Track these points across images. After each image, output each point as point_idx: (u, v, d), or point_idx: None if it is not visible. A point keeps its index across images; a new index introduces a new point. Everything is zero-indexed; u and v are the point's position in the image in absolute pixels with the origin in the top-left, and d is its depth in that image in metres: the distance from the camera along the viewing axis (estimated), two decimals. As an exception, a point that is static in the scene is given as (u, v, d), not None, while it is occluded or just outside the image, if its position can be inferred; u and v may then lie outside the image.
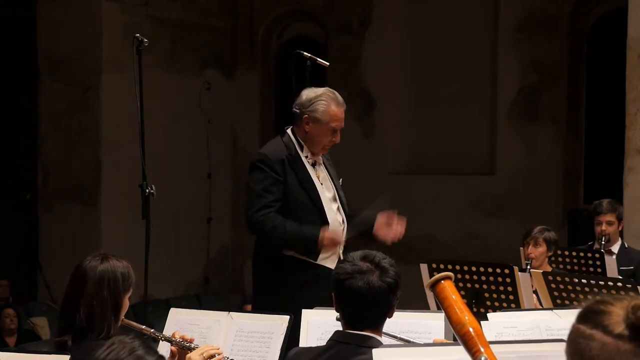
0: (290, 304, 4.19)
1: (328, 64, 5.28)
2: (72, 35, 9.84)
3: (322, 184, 4.73)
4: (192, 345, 3.28)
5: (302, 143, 4.69)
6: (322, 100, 4.63)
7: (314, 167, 4.74)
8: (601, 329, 1.59)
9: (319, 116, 4.61)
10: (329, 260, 4.65)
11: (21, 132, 10.55)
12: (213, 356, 3.22)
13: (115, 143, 9.70)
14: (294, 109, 4.70)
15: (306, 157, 4.70)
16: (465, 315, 1.97)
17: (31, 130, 10.25)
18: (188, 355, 3.22)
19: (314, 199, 4.64)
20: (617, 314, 1.59)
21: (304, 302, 4.04)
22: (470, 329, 1.93)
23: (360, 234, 4.80)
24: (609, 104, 9.77)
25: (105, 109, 9.80)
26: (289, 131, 4.73)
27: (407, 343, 3.21)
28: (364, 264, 2.92)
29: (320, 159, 4.79)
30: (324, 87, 4.82)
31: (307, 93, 4.68)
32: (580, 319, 1.65)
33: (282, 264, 4.61)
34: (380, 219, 4.73)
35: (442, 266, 4.87)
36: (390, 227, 4.71)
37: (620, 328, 1.57)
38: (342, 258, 4.63)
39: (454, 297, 2.03)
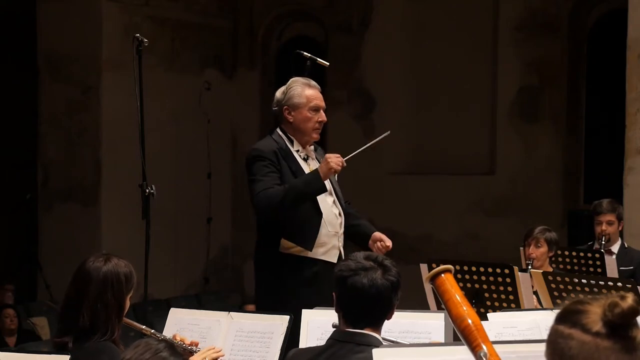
0: (292, 302, 4.20)
1: (328, 64, 5.30)
2: (72, 35, 9.84)
3: None
4: (195, 349, 3.26)
5: (292, 137, 4.73)
6: (294, 86, 4.72)
7: (306, 161, 4.76)
8: (579, 328, 1.61)
9: (296, 101, 4.69)
10: (328, 255, 4.67)
11: (21, 132, 10.56)
12: (216, 359, 3.20)
13: (115, 143, 9.70)
14: (274, 109, 4.79)
15: (297, 151, 4.74)
16: (465, 309, 1.96)
17: (31, 130, 10.25)
18: (190, 359, 3.20)
19: None
20: (595, 312, 1.61)
21: (306, 300, 4.06)
22: (470, 323, 1.92)
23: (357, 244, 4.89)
24: (609, 104, 9.77)
25: (105, 109, 9.80)
26: (278, 130, 4.78)
27: (407, 344, 3.21)
28: (367, 262, 2.93)
29: (312, 153, 4.81)
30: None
31: (279, 90, 4.80)
32: (559, 319, 1.67)
33: (283, 262, 4.62)
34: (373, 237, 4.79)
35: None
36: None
37: (598, 326, 1.60)
38: (342, 253, 4.69)
39: (453, 290, 2.02)
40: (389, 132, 4.83)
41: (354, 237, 4.89)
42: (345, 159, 4.61)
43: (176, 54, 10.64)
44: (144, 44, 4.72)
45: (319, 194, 4.60)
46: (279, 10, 11.59)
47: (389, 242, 4.73)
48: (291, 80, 4.78)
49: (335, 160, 4.55)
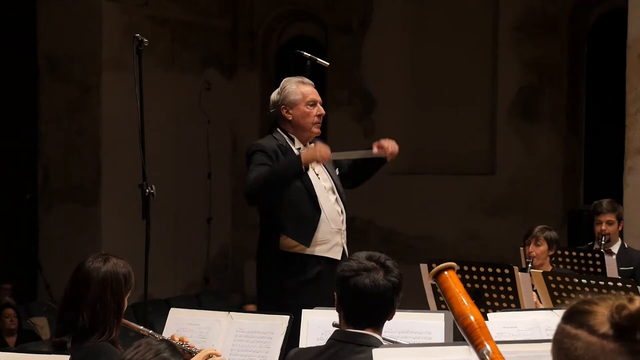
0: (294, 301, 4.20)
1: (328, 64, 5.32)
2: (72, 35, 9.84)
3: (318, 175, 4.77)
4: (194, 350, 3.25)
5: (293, 136, 4.75)
6: (288, 85, 4.77)
7: None
8: (586, 329, 1.60)
9: (292, 98, 4.73)
10: (332, 252, 4.68)
11: (21, 132, 10.55)
12: None
13: (115, 143, 9.70)
14: (270, 112, 4.81)
15: (299, 149, 4.75)
16: (468, 307, 1.95)
17: (31, 130, 10.25)
18: None
19: (307, 187, 4.68)
20: (602, 313, 1.60)
21: (308, 298, 4.06)
22: (473, 320, 1.92)
23: (359, 163, 4.96)
24: (609, 104, 9.77)
25: (105, 109, 9.80)
26: (278, 130, 4.79)
27: (407, 343, 3.21)
28: (369, 263, 2.93)
29: None
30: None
31: (273, 93, 4.83)
32: (565, 319, 1.66)
33: (286, 261, 4.63)
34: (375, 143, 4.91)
35: (442, 266, 4.85)
36: (385, 146, 4.92)
37: (604, 327, 1.58)
38: (345, 250, 4.69)
39: (456, 288, 2.01)
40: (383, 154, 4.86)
41: (360, 167, 4.96)
42: (333, 156, 4.66)
43: (176, 54, 10.63)
44: (144, 44, 4.72)
45: (297, 177, 4.62)
46: (279, 10, 11.59)
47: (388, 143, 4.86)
48: (284, 80, 4.83)
49: (322, 152, 4.60)
